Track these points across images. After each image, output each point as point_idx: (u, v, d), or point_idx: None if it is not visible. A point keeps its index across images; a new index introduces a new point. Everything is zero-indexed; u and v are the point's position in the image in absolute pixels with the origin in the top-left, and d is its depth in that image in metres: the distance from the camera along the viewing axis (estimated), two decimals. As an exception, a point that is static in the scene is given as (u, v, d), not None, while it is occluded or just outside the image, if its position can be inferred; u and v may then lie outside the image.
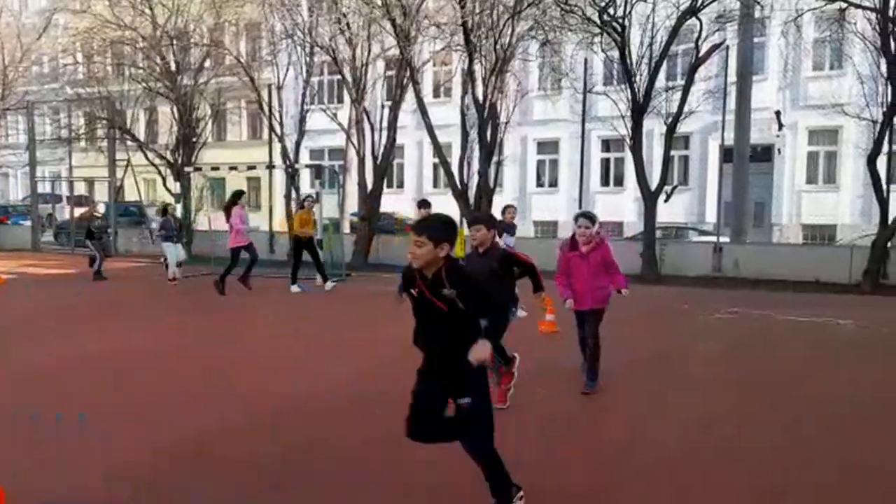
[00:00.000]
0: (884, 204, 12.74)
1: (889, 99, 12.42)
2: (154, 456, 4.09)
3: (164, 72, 18.07)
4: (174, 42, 18.02)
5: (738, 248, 14.42)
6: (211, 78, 18.98)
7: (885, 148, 13.00)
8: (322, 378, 6.01)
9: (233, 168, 15.71)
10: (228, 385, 5.79)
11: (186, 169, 16.60)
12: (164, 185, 19.11)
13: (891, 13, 12.00)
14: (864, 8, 12.30)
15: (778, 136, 19.40)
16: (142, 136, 20.65)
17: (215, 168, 16.63)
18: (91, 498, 3.58)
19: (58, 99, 23.45)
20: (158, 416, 4.91)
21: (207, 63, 19.12)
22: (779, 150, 20.17)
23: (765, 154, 19.84)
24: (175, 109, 18.40)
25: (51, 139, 23.65)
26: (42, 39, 22.71)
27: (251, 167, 17.04)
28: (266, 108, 17.98)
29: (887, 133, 12.74)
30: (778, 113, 18.83)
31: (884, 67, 12.47)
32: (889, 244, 12.74)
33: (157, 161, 19.01)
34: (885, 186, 12.81)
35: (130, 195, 22.10)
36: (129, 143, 19.86)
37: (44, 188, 24.29)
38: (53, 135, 23.77)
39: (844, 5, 12.51)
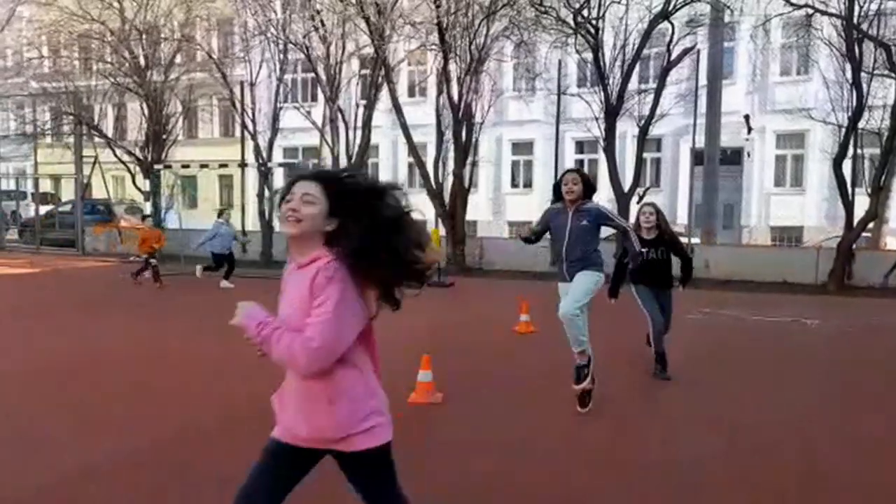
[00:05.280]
0: (849, 207, 13.04)
1: (854, 104, 12.72)
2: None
3: (132, 67, 17.72)
4: (143, 37, 17.67)
5: (709, 249, 14.64)
6: (182, 74, 18.66)
7: (850, 152, 13.31)
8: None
9: (204, 166, 15.50)
10: (183, 386, 5.69)
11: (156, 166, 16.31)
12: (134, 182, 18.74)
13: (856, 20, 12.28)
14: (830, 14, 12.58)
15: (747, 139, 19.75)
16: (110, 133, 20.21)
17: (186, 165, 16.38)
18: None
19: (22, 93, 22.84)
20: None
21: (178, 59, 18.79)
22: (748, 154, 20.53)
23: (734, 157, 20.18)
24: (144, 105, 18.06)
25: (15, 135, 23.02)
26: (5, 32, 22.11)
27: (223, 165, 16.81)
28: (238, 106, 17.73)
29: (852, 137, 13.04)
30: (747, 117, 19.17)
31: (849, 73, 12.77)
32: (854, 246, 13.05)
33: (125, 158, 18.63)
34: (849, 190, 13.12)
35: (98, 193, 21.63)
36: (96, 139, 19.44)
37: (8, 185, 23.65)
38: (18, 130, 23.13)
39: (811, 11, 12.77)
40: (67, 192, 23.88)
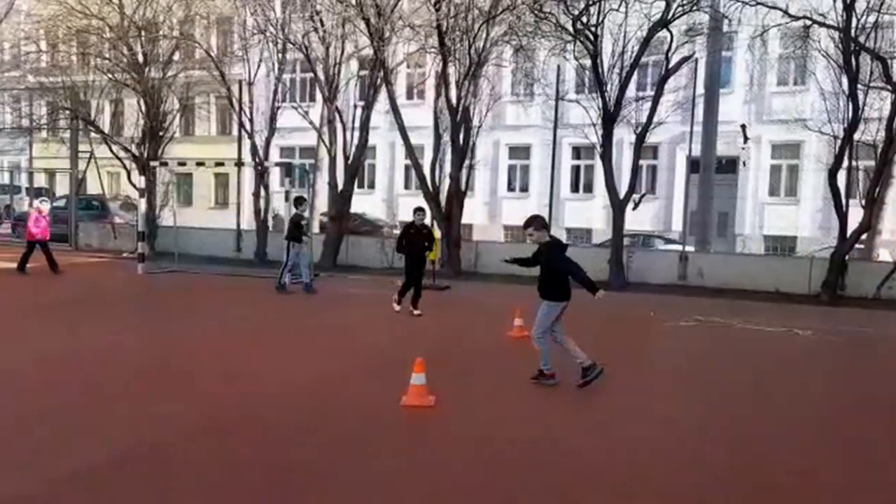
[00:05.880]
0: (842, 217, 13.10)
1: (850, 115, 12.79)
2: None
3: (131, 63, 17.65)
4: (142, 33, 17.62)
5: (703, 257, 14.68)
6: (180, 71, 18.61)
7: (845, 163, 13.37)
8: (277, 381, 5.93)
9: (200, 164, 15.45)
10: (182, 386, 5.66)
11: (152, 163, 16.24)
12: (129, 178, 18.65)
13: (853, 32, 12.35)
14: (828, 26, 12.64)
15: (743, 148, 19.82)
16: (106, 128, 20.12)
17: (182, 163, 16.33)
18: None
19: (19, 87, 22.75)
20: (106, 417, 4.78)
21: (176, 56, 18.75)
22: (744, 163, 20.61)
23: (730, 166, 20.26)
24: (142, 102, 18.00)
25: (11, 128, 22.93)
26: (3, 26, 22.02)
27: (219, 163, 16.76)
28: (236, 104, 17.70)
29: (847, 149, 13.11)
30: (743, 126, 19.24)
31: (845, 84, 12.83)
32: (847, 257, 13.11)
33: (121, 154, 18.55)
34: (843, 200, 13.18)
35: (93, 188, 21.55)
36: (92, 134, 19.35)
37: (2, 179, 23.55)
38: (14, 124, 23.04)
39: (809, 23, 12.84)
40: (62, 187, 23.79)
